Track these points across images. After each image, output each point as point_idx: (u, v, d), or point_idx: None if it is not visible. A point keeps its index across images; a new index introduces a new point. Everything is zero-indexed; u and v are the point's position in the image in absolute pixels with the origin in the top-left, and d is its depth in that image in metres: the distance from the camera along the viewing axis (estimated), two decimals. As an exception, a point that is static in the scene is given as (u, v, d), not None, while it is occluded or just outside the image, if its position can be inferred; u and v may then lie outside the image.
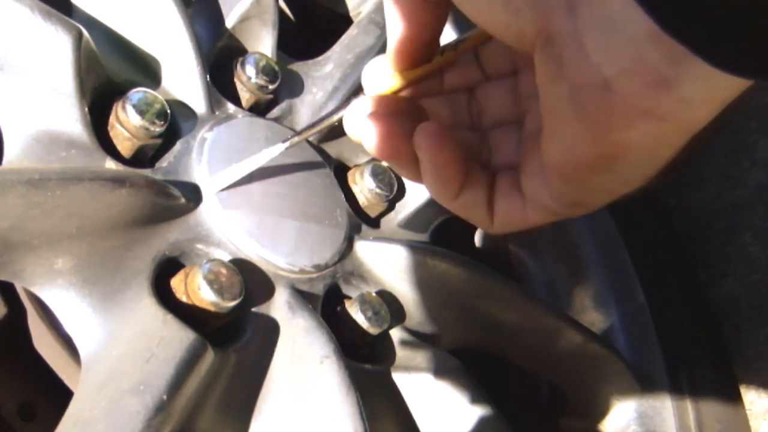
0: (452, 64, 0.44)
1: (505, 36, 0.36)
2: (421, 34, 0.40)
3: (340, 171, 0.66)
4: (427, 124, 0.40)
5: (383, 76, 0.43)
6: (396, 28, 0.40)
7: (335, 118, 0.48)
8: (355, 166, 0.67)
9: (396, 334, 0.59)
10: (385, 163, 0.67)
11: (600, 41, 0.31)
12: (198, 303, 0.47)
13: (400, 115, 0.41)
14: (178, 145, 0.55)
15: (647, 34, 0.30)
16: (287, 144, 0.54)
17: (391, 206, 0.67)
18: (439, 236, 0.70)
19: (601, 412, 0.72)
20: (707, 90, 0.30)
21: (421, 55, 0.42)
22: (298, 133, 0.53)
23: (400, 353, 0.58)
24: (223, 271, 0.47)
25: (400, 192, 0.68)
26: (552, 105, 0.35)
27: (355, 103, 0.43)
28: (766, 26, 0.27)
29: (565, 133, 0.35)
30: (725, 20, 0.27)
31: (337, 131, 0.68)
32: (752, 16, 0.27)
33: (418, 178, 0.41)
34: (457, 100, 0.45)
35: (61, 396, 0.51)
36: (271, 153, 0.54)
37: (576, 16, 0.32)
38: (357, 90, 0.68)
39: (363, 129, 0.41)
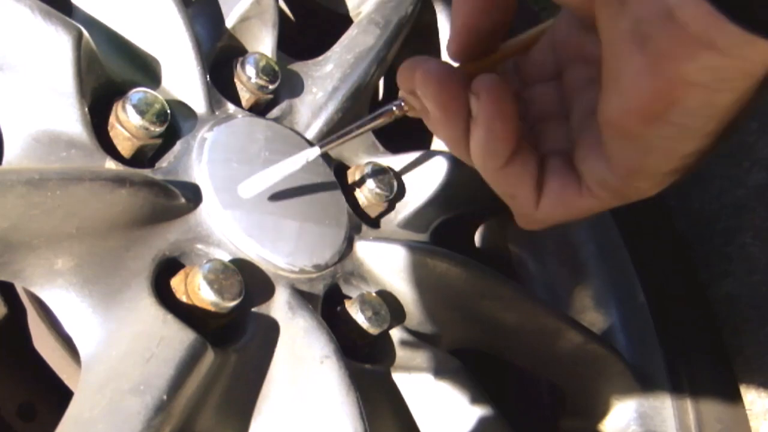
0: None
1: None
2: (485, 22, 0.39)
3: (340, 171, 0.66)
4: (488, 75, 0.37)
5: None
6: (458, 14, 0.39)
7: (367, 127, 0.48)
8: (355, 166, 0.67)
9: (396, 334, 0.59)
10: (385, 163, 0.67)
11: None
12: (198, 303, 0.47)
13: (458, 71, 0.39)
14: (178, 145, 0.55)
15: None
16: (320, 150, 0.53)
17: (391, 206, 0.67)
18: (439, 236, 0.70)
19: (601, 412, 0.72)
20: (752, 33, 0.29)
21: (480, 47, 0.40)
22: (330, 141, 0.53)
23: (400, 353, 0.58)
24: (223, 271, 0.47)
25: (400, 192, 0.68)
26: (614, 44, 0.33)
27: (412, 58, 0.40)
28: None
29: (626, 72, 0.33)
30: None
31: (337, 131, 0.68)
32: None
33: (463, 140, 0.39)
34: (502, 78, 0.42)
35: (61, 396, 0.51)
36: (302, 160, 0.54)
37: None
38: (357, 90, 0.69)
39: (421, 72, 0.38)
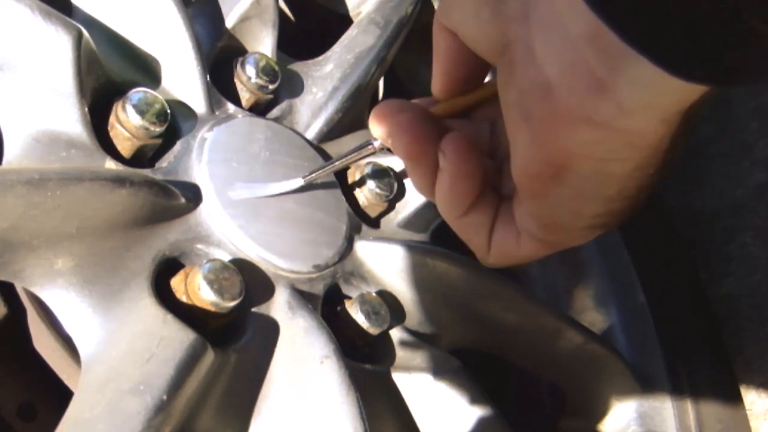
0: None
1: (480, 49, 0.36)
2: (458, 70, 0.41)
3: (340, 171, 0.66)
4: (456, 134, 0.39)
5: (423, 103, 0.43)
6: (437, 63, 0.41)
7: (350, 160, 0.51)
8: (356, 166, 0.67)
9: (396, 334, 0.59)
10: (385, 163, 0.67)
11: (544, 42, 0.31)
12: (198, 303, 0.47)
13: (430, 121, 0.41)
14: (178, 145, 0.55)
15: (585, 34, 0.29)
16: (303, 181, 0.57)
17: (391, 206, 0.67)
18: (439, 236, 0.70)
19: (601, 412, 0.72)
20: (645, 96, 0.30)
21: (462, 88, 0.42)
22: (314, 172, 0.56)
23: (400, 353, 0.58)
24: (223, 271, 0.47)
25: (400, 192, 0.67)
26: (506, 111, 0.35)
27: (386, 102, 0.42)
28: (710, 26, 0.26)
29: (516, 140, 0.35)
30: (668, 18, 0.26)
31: (337, 131, 0.68)
32: (695, 15, 0.26)
33: (430, 187, 0.41)
34: (480, 127, 0.44)
35: (61, 396, 0.51)
36: (286, 187, 0.57)
37: (528, 19, 0.32)
38: (357, 90, 0.69)
39: (393, 124, 0.41)
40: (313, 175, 0.56)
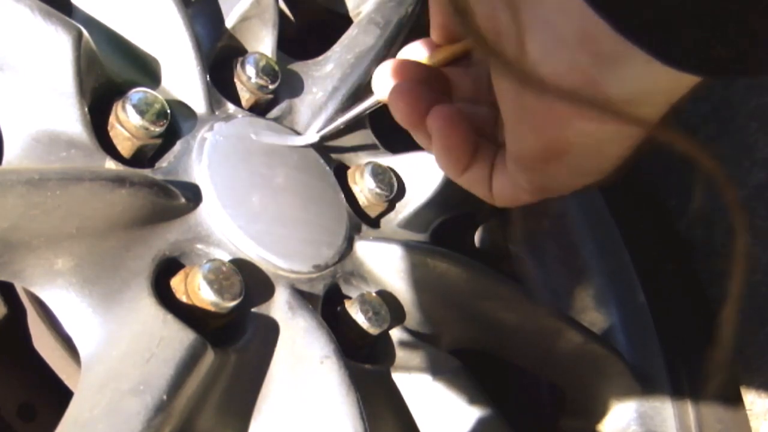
0: None
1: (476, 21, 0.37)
2: (452, 22, 0.43)
3: (340, 171, 0.66)
4: (440, 108, 0.42)
5: (420, 50, 0.46)
6: (433, 14, 0.43)
7: (369, 107, 0.54)
8: (355, 166, 0.67)
9: (396, 334, 0.59)
10: (385, 163, 0.67)
11: (537, 41, 0.32)
12: (198, 303, 0.47)
13: (424, 85, 0.44)
14: (178, 145, 0.55)
15: (577, 35, 0.30)
16: (325, 129, 0.62)
17: (391, 206, 0.67)
18: (439, 236, 0.70)
19: (601, 412, 0.72)
20: (637, 93, 0.31)
21: (458, 34, 0.44)
22: (336, 122, 0.60)
23: (400, 353, 0.58)
24: (223, 271, 0.47)
25: (400, 192, 0.67)
26: (500, 99, 0.36)
27: (384, 65, 0.45)
28: (703, 17, 0.27)
29: (512, 131, 0.37)
30: (661, 8, 0.27)
31: (337, 131, 0.68)
32: (689, 7, 0.27)
33: (429, 148, 0.44)
34: (479, 75, 0.46)
35: (61, 396, 0.51)
36: (310, 139, 0.61)
37: (518, 17, 0.32)
38: (357, 90, 0.69)
39: (391, 97, 0.43)
40: (328, 128, 0.60)
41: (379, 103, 0.50)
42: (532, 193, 0.41)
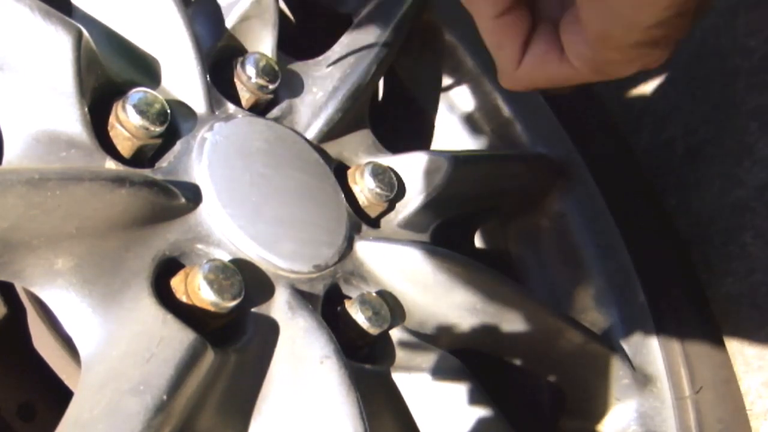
0: None
1: None
2: None
3: (340, 171, 0.66)
4: None
5: None
6: None
7: None
8: (355, 166, 0.67)
9: (396, 334, 0.59)
10: (385, 163, 0.67)
11: None
12: (198, 303, 0.47)
13: None
14: (178, 145, 0.55)
15: None
16: None
17: (391, 206, 0.67)
18: (439, 236, 0.70)
19: (601, 412, 0.72)
20: None
21: None
22: None
23: (400, 353, 0.58)
24: (223, 271, 0.47)
25: (400, 192, 0.67)
26: None
27: None
28: None
29: None
30: None
31: (337, 131, 0.68)
32: None
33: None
34: None
35: (61, 396, 0.51)
36: None
37: None
38: (357, 90, 0.69)
39: None
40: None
41: None
42: (586, 59, 0.39)
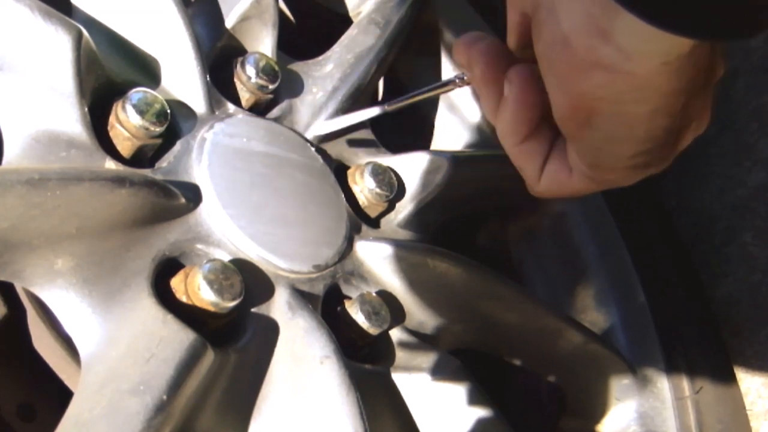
0: None
1: (514, 6, 0.41)
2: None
3: (340, 171, 0.66)
4: (523, 65, 0.43)
5: None
6: (509, 15, 0.45)
7: (433, 93, 0.56)
8: (355, 166, 0.67)
9: (396, 334, 0.59)
10: (385, 163, 0.67)
11: (563, 1, 0.36)
12: (198, 303, 0.47)
13: (505, 51, 0.45)
14: (178, 145, 0.55)
15: None
16: (389, 108, 0.61)
17: (391, 206, 0.67)
18: (439, 236, 0.70)
19: (601, 412, 0.72)
20: (641, 42, 0.34)
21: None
22: (400, 101, 0.60)
23: (400, 353, 0.58)
24: (223, 271, 0.47)
25: (400, 192, 0.67)
26: (539, 63, 0.39)
27: (468, 33, 0.47)
28: None
29: (548, 88, 0.40)
30: None
31: (337, 131, 0.68)
32: None
33: (495, 112, 0.45)
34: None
35: (61, 396, 0.51)
36: (375, 111, 0.62)
37: None
38: (357, 90, 0.69)
39: (473, 50, 0.45)
40: (399, 104, 0.60)
41: (460, 83, 0.51)
42: (589, 177, 0.42)
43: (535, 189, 0.46)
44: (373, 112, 0.62)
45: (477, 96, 0.48)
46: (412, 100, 0.59)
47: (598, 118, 0.38)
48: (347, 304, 0.56)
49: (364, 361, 0.56)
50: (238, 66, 0.63)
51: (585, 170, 0.42)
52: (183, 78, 0.58)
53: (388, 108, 0.60)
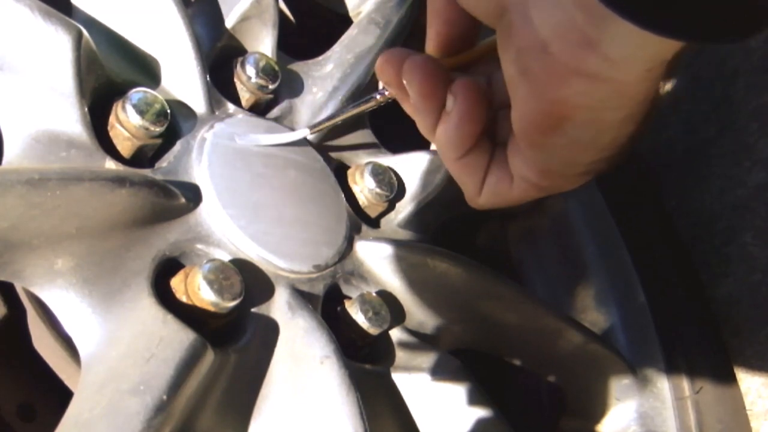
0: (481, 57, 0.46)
1: (479, 13, 0.39)
2: (451, 31, 0.44)
3: (340, 171, 0.66)
4: (467, 79, 0.42)
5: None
6: (431, 24, 0.44)
7: (353, 113, 0.55)
8: (356, 166, 0.67)
9: (396, 334, 0.59)
10: (385, 163, 0.67)
11: (539, 6, 0.34)
12: (198, 303, 0.47)
13: (440, 64, 0.44)
14: (178, 145, 0.55)
15: None
16: (310, 132, 0.60)
17: (391, 206, 0.67)
18: (439, 236, 0.70)
19: (601, 412, 0.72)
20: (629, 49, 0.33)
21: (455, 48, 0.45)
22: (319, 124, 0.59)
23: (400, 353, 0.58)
24: (223, 271, 0.47)
25: (400, 192, 0.67)
26: (506, 69, 0.38)
27: (392, 49, 0.45)
28: None
29: (516, 96, 0.38)
30: None
31: (337, 131, 0.68)
32: None
33: (432, 128, 0.43)
34: (477, 81, 0.47)
35: (61, 396, 0.51)
36: (291, 137, 0.60)
37: None
38: (357, 90, 0.69)
39: (408, 63, 0.43)
40: (321, 126, 0.60)
41: (381, 99, 0.50)
42: (534, 185, 0.41)
43: (476, 201, 0.45)
44: (297, 135, 0.61)
45: (411, 112, 0.46)
46: (334, 121, 0.59)
47: (568, 124, 0.37)
48: (347, 304, 0.56)
49: (364, 361, 0.56)
50: (238, 66, 0.63)
51: (531, 178, 0.41)
52: (183, 78, 0.58)
53: (311, 132, 0.60)
